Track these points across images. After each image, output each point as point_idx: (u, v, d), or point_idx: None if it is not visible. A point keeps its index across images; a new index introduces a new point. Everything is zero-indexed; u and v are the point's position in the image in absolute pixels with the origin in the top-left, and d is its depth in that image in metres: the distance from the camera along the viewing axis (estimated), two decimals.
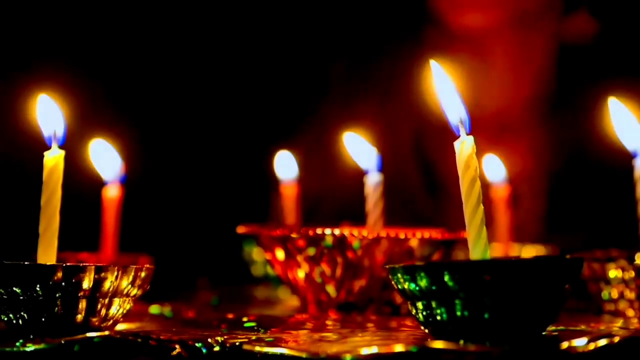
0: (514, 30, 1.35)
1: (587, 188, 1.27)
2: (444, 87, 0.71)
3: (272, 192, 1.42)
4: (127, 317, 0.83)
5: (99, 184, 1.01)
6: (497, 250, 1.11)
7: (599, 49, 1.34)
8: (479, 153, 1.15)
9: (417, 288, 0.64)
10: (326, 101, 1.41)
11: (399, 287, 0.66)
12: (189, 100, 1.58)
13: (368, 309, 0.87)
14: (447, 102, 0.70)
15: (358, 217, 1.11)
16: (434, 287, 0.63)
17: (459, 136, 0.69)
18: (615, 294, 0.84)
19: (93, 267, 0.71)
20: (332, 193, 1.34)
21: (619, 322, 0.79)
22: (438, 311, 0.63)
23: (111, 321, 0.73)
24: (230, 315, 0.83)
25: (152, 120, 1.48)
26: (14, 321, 0.71)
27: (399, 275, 0.65)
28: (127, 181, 1.01)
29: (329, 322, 0.80)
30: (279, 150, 1.16)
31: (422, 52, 1.38)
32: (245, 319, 0.80)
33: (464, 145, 0.68)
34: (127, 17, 1.59)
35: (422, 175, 1.33)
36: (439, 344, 0.57)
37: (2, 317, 0.72)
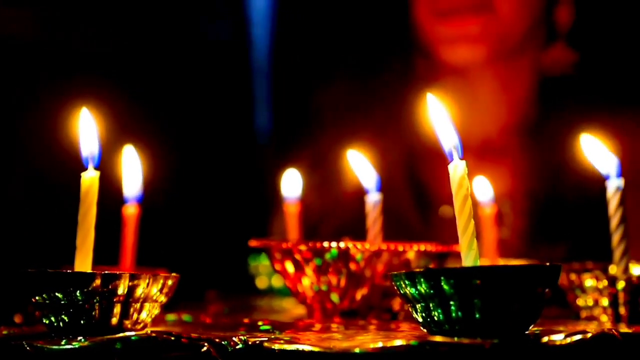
0: (498, 62, 1.45)
1: (565, 205, 1.36)
2: (439, 117, 0.80)
3: (275, 210, 1.52)
4: (152, 322, 0.91)
5: (118, 202, 1.10)
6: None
7: (577, 79, 1.45)
8: (468, 175, 1.25)
9: (417, 292, 0.73)
10: (327, 123, 1.50)
11: (401, 291, 0.75)
12: (196, 124, 1.66)
13: (369, 315, 0.96)
14: (441, 131, 0.80)
15: (356, 233, 1.20)
16: (431, 291, 0.72)
17: (452, 160, 0.78)
18: (590, 301, 0.93)
19: (128, 274, 0.79)
20: (331, 211, 1.43)
21: (594, 325, 0.89)
22: (435, 312, 0.72)
23: (142, 324, 0.82)
24: (246, 320, 0.92)
25: (163, 141, 1.56)
26: (55, 324, 0.79)
27: (401, 281, 0.74)
28: (144, 200, 1.10)
29: (334, 326, 0.89)
30: (283, 170, 1.24)
31: (414, 79, 1.49)
32: (260, 323, 0.88)
33: (457, 168, 0.77)
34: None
35: (413, 194, 1.42)
36: (438, 339, 0.67)
37: (44, 320, 0.80)
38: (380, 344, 0.67)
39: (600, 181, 1.36)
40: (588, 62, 1.42)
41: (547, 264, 0.73)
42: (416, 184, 1.44)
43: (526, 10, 1.43)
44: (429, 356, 0.66)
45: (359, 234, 1.19)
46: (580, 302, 0.94)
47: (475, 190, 1.22)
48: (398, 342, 0.68)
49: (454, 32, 1.41)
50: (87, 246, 0.82)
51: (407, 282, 0.73)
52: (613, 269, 0.97)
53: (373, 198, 1.01)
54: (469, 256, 0.76)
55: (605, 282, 0.91)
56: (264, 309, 1.18)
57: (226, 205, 1.64)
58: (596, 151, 0.95)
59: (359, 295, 0.94)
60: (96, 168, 0.84)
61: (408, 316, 0.97)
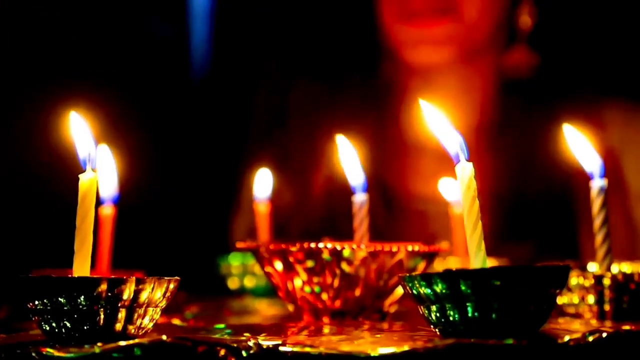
0: (462, 63, 1.48)
1: (530, 204, 1.40)
2: (440, 122, 0.81)
3: (238, 210, 1.51)
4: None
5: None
6: (455, 263, 1.22)
7: (539, 80, 1.49)
8: (435, 175, 1.27)
9: (433, 293, 0.74)
10: (294, 123, 1.51)
11: (414, 292, 0.76)
12: (162, 126, 1.65)
13: (359, 316, 0.96)
14: (444, 135, 0.81)
15: (325, 232, 1.21)
16: (448, 292, 0.73)
17: (458, 162, 0.79)
18: (576, 299, 0.96)
19: (134, 279, 0.78)
20: (299, 210, 1.44)
21: (579, 322, 0.92)
22: (451, 313, 0.74)
23: (144, 330, 0.80)
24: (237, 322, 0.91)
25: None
26: (57, 330, 0.77)
27: (416, 282, 0.75)
28: (120, 201, 1.08)
29: (326, 328, 0.89)
30: (255, 171, 1.24)
31: (381, 80, 1.51)
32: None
33: (464, 170, 0.79)
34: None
35: (379, 193, 1.44)
36: (471, 340, 0.68)
37: (44, 326, 0.78)
38: (406, 347, 0.68)
39: (564, 181, 1.40)
40: (549, 63, 1.46)
41: (561, 264, 0.74)
42: (382, 184, 1.45)
43: (490, 13, 1.46)
44: (460, 356, 0.67)
45: (328, 233, 1.19)
46: (564, 299, 0.97)
47: (443, 190, 1.24)
48: (432, 345, 0.69)
49: (419, 34, 1.44)
50: (86, 250, 0.81)
51: (422, 284, 0.74)
52: (591, 267, 1.01)
53: (360, 198, 1.02)
54: (478, 257, 0.77)
55: (592, 280, 0.94)
56: (238, 310, 1.17)
57: (191, 206, 1.62)
58: (582, 151, 0.98)
59: (351, 296, 0.94)
60: (93, 169, 0.82)
61: (395, 317, 0.99)
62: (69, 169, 0.84)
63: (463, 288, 0.72)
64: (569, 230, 1.41)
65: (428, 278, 0.74)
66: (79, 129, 0.85)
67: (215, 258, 1.29)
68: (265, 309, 1.18)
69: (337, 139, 1.01)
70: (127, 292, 0.77)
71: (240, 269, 1.25)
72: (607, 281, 0.94)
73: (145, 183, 1.57)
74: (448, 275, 0.73)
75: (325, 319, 0.96)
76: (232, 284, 1.26)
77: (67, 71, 1.56)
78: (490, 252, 1.24)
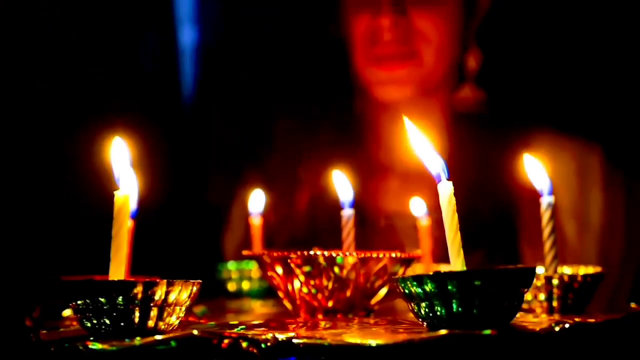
0: (420, 100, 1.51)
1: (478, 218, 1.42)
2: (424, 146, 0.83)
3: (228, 224, 1.52)
4: None
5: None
6: (421, 269, 1.23)
7: (485, 114, 1.53)
8: (404, 194, 1.28)
9: (423, 292, 0.75)
10: (276, 148, 1.53)
11: (406, 291, 0.77)
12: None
13: (349, 313, 0.97)
14: (427, 157, 0.83)
15: (310, 243, 1.21)
16: (436, 291, 0.74)
17: (439, 182, 0.81)
18: (529, 296, 0.98)
19: (165, 282, 0.78)
20: (285, 224, 1.45)
21: (532, 316, 0.94)
22: (438, 308, 0.75)
23: (172, 327, 0.80)
24: (245, 320, 0.91)
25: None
26: (97, 326, 0.77)
27: (408, 282, 0.76)
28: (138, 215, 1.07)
29: (322, 323, 0.90)
30: (245, 191, 1.25)
31: (353, 113, 1.55)
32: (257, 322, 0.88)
33: (445, 188, 0.80)
34: None
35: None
36: (462, 332, 0.69)
37: (86, 323, 0.78)
38: (409, 338, 0.69)
39: (507, 198, 1.43)
40: (493, 99, 1.51)
41: (528, 267, 0.76)
42: (357, 203, 1.47)
43: (444, 58, 1.50)
44: (450, 345, 0.68)
45: (312, 243, 1.20)
46: None
47: (412, 207, 1.26)
48: (428, 336, 0.70)
49: (385, 75, 1.48)
50: (120, 256, 0.81)
51: (413, 284, 0.76)
52: (539, 270, 1.03)
53: (348, 213, 1.03)
54: (457, 261, 0.79)
55: (542, 281, 0.97)
56: (238, 310, 1.17)
57: (192, 221, 1.62)
58: (533, 172, 1.00)
59: (343, 296, 0.95)
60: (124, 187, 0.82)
61: (377, 314, 1.00)
62: (103, 187, 0.84)
63: (449, 287, 0.74)
64: (511, 240, 1.45)
65: (419, 279, 0.75)
66: (118, 152, 0.85)
67: (216, 264, 1.29)
68: (260, 308, 1.18)
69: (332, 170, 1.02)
70: (159, 293, 0.78)
71: (237, 274, 1.26)
72: (555, 281, 0.96)
73: (155, 200, 1.56)
74: (437, 277, 0.74)
75: (320, 316, 0.97)
76: (231, 287, 1.27)
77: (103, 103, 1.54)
78: (445, 259, 1.26)
